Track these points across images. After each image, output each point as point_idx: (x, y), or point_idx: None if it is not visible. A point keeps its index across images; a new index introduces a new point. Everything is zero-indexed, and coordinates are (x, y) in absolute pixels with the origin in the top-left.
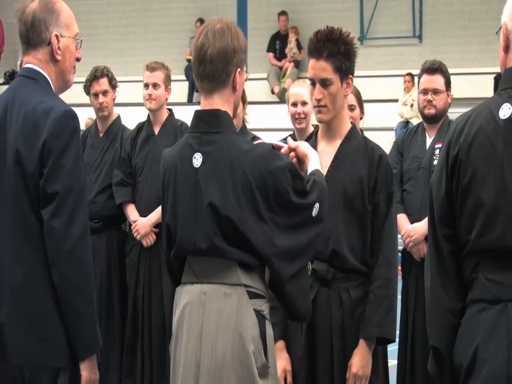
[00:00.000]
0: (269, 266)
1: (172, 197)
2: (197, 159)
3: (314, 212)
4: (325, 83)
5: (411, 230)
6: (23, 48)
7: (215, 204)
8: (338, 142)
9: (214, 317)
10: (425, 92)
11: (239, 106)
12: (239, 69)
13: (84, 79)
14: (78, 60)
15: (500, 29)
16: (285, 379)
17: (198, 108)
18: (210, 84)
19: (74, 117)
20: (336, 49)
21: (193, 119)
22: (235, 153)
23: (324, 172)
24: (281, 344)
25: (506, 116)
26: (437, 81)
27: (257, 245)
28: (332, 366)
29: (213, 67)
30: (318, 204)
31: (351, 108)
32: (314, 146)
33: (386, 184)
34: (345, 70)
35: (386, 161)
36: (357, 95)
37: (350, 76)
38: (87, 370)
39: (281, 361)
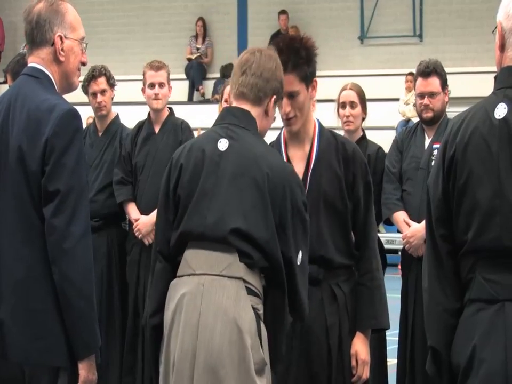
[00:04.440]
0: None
1: (190, 177)
2: (222, 143)
3: (299, 259)
4: (292, 96)
5: (410, 236)
6: (28, 48)
7: (238, 186)
8: (307, 145)
9: (212, 308)
10: (421, 95)
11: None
12: (275, 97)
13: (82, 78)
14: (83, 64)
15: (495, 28)
16: None
17: (198, 107)
18: (245, 97)
19: (77, 116)
20: (299, 60)
21: (221, 113)
22: (260, 152)
23: (300, 176)
24: None
25: (502, 116)
26: (432, 83)
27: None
28: (329, 364)
29: (254, 79)
30: (302, 252)
31: (352, 105)
32: (284, 151)
33: (363, 176)
34: (310, 76)
35: (359, 154)
36: (360, 93)
37: (314, 79)
38: (85, 370)
39: None
